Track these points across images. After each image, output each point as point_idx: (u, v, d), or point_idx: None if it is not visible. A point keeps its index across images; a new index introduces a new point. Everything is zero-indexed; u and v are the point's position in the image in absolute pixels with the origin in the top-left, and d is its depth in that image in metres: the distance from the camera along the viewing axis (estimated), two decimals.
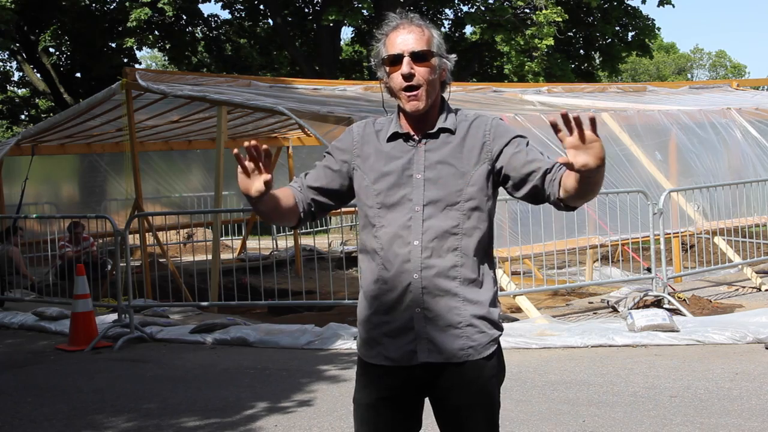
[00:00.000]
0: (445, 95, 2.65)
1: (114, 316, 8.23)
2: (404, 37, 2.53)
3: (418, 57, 2.52)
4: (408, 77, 2.51)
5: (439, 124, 2.58)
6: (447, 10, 25.47)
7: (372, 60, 2.66)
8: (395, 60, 2.53)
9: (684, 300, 8.27)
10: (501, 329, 2.63)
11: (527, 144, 2.57)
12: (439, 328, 2.52)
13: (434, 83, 2.55)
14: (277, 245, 14.74)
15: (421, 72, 2.52)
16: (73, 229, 11.79)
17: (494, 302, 2.61)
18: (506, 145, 2.55)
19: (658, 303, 8.02)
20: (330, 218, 16.33)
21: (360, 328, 2.67)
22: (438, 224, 2.50)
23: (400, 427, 2.63)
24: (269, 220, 2.68)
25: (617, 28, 25.36)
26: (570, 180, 2.39)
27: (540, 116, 9.71)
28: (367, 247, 2.61)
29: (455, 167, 2.54)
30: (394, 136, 2.60)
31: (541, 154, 2.55)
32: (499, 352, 2.62)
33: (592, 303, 8.82)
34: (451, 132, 2.58)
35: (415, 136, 2.58)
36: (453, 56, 2.63)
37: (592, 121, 2.25)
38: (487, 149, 2.56)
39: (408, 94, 2.53)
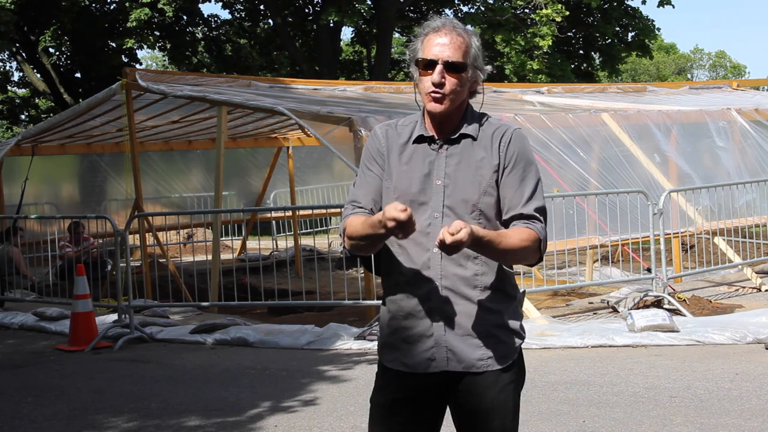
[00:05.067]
0: (475, 101, 2.63)
1: (114, 317, 8.23)
2: (442, 43, 2.51)
3: (452, 68, 2.50)
4: (438, 86, 2.49)
5: (461, 130, 2.56)
6: (447, 10, 25.45)
7: (407, 54, 2.64)
8: (428, 65, 2.51)
9: (684, 300, 8.27)
10: (522, 337, 2.61)
11: (529, 174, 2.55)
12: (459, 337, 2.50)
13: (462, 93, 2.54)
14: (277, 245, 14.75)
15: (451, 82, 2.50)
16: (73, 229, 11.80)
17: (515, 310, 2.59)
18: (509, 169, 2.54)
19: (658, 303, 8.02)
20: (330, 218, 16.34)
21: (380, 331, 2.66)
22: None
23: (416, 429, 2.60)
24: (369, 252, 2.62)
25: (617, 29, 25.36)
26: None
27: (540, 117, 9.71)
28: (387, 250, 2.59)
29: (473, 175, 2.53)
30: (419, 139, 2.58)
31: (532, 191, 2.53)
32: (519, 359, 2.61)
33: (592, 303, 8.82)
34: (473, 138, 2.56)
35: (439, 140, 2.57)
36: (488, 68, 2.60)
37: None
38: (499, 161, 2.54)
39: (432, 95, 2.51)
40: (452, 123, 2.57)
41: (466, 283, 2.50)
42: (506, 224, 2.54)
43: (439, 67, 2.49)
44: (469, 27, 2.60)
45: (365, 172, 2.64)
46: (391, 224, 2.29)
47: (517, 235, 2.47)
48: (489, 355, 2.51)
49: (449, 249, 2.30)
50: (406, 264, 2.52)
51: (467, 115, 2.59)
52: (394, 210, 2.27)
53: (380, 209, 2.57)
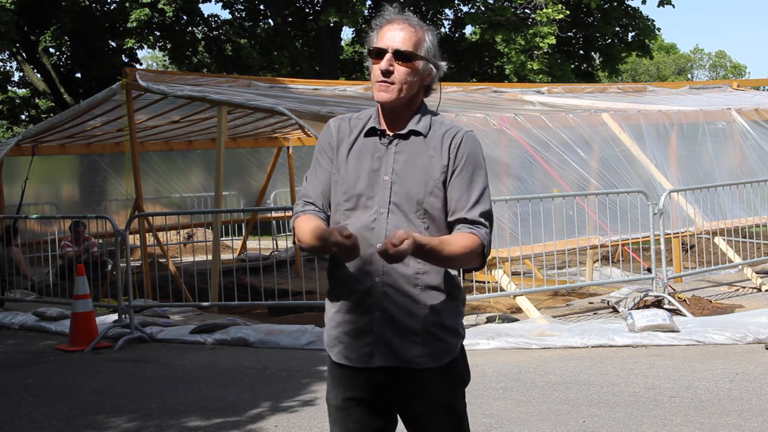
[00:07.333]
0: (432, 101, 2.62)
1: (114, 317, 8.23)
2: (394, 33, 2.52)
3: (401, 56, 2.50)
4: (385, 73, 2.50)
5: (410, 126, 2.55)
6: (447, 10, 25.45)
7: (365, 48, 2.64)
8: (379, 53, 2.52)
9: (684, 300, 8.27)
10: (462, 336, 2.61)
11: (477, 178, 2.53)
12: (398, 333, 2.51)
13: (412, 85, 2.53)
14: (277, 245, 14.74)
15: (400, 71, 2.50)
16: (74, 228, 11.80)
17: (456, 310, 2.59)
18: (457, 171, 2.52)
19: (658, 303, 8.02)
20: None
21: (326, 324, 2.68)
22: (402, 229, 2.44)
23: (372, 426, 2.63)
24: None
25: (617, 29, 25.36)
26: None
27: (540, 117, 9.71)
28: None
29: (420, 173, 2.52)
30: (370, 132, 2.58)
31: (479, 195, 2.52)
32: (460, 359, 2.60)
33: (592, 303, 8.83)
34: (423, 135, 2.55)
35: (388, 135, 2.56)
36: (443, 64, 2.59)
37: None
38: (448, 162, 2.53)
39: (380, 84, 2.51)
40: (403, 118, 2.56)
41: (406, 280, 2.50)
42: (450, 227, 2.54)
43: (388, 55, 2.50)
44: (425, 23, 2.59)
45: (316, 167, 2.65)
46: (334, 249, 2.33)
47: (459, 241, 2.46)
48: (427, 352, 2.52)
49: (391, 259, 2.31)
50: None
51: (419, 112, 2.58)
52: (339, 236, 2.30)
53: (329, 204, 2.60)
